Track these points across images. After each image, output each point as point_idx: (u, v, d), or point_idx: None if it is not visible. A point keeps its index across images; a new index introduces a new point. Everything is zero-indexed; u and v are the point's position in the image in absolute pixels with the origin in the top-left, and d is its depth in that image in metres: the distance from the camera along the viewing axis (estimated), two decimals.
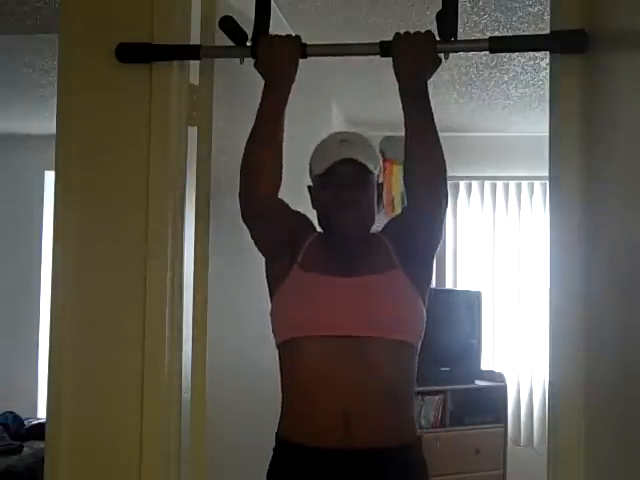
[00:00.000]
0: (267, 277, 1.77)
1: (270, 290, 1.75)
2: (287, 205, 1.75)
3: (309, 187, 1.81)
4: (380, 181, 1.80)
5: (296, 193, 2.18)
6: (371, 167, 1.70)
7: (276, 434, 1.70)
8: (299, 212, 1.80)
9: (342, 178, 1.69)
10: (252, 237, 1.74)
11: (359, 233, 1.72)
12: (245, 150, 1.68)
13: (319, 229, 1.80)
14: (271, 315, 1.72)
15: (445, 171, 1.66)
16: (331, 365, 1.61)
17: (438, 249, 1.77)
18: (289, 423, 1.68)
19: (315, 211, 1.80)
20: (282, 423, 1.70)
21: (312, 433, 1.61)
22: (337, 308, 1.63)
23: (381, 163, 1.80)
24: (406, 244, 1.72)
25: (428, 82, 1.67)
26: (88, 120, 1.81)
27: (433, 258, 1.77)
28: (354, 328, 1.61)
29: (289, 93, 1.71)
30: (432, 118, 1.65)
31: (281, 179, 1.71)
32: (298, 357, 1.65)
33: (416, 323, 1.69)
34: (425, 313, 1.71)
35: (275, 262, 1.75)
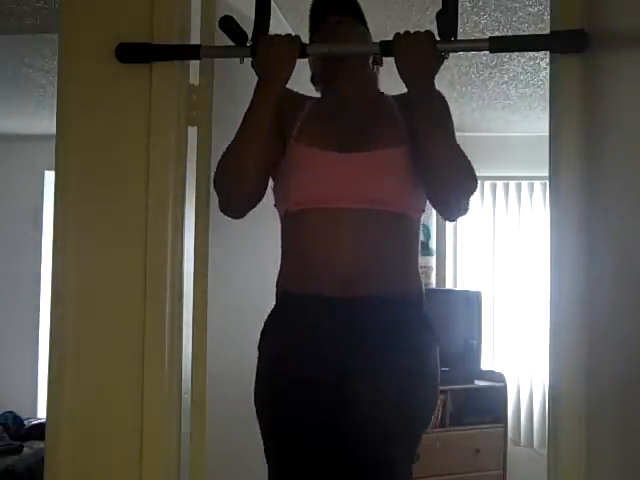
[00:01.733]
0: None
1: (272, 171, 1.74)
2: (276, 142, 1.71)
3: (312, 78, 1.85)
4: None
5: None
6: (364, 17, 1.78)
7: (275, 293, 1.71)
8: (289, 93, 1.75)
9: (334, 29, 1.75)
10: None
11: (356, 90, 1.74)
12: (229, 154, 1.66)
13: (317, 99, 1.81)
14: (273, 190, 1.72)
15: (466, 161, 1.64)
16: (331, 233, 1.61)
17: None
18: (288, 275, 1.69)
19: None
20: (281, 277, 1.71)
21: (312, 282, 1.63)
22: (339, 182, 1.62)
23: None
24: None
25: None
26: (88, 120, 1.81)
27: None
28: (354, 201, 1.61)
29: (282, 90, 1.68)
30: (443, 118, 1.64)
31: (268, 181, 1.71)
32: (298, 225, 1.66)
33: (420, 197, 1.69)
34: (423, 192, 1.69)
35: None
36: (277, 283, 1.72)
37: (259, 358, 1.69)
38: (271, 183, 1.74)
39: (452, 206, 1.68)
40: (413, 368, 1.62)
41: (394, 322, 1.62)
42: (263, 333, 1.70)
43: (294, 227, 1.68)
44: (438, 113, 1.64)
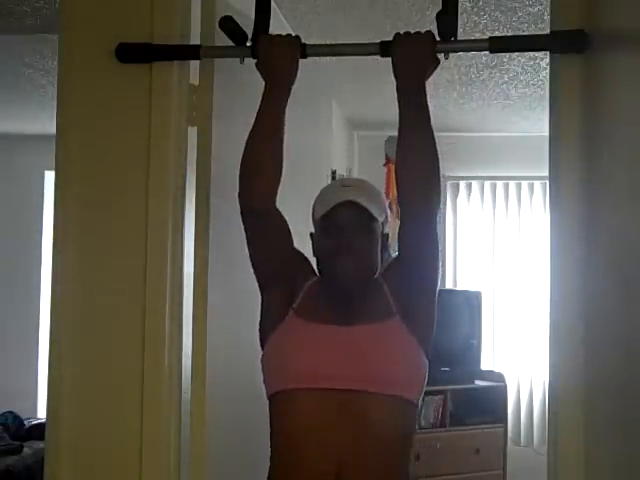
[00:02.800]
0: (261, 319, 1.71)
1: (262, 333, 1.70)
2: (287, 226, 1.70)
3: (311, 234, 1.75)
4: (386, 231, 1.73)
5: (295, 193, 2.18)
6: (375, 213, 1.64)
7: None
8: (300, 252, 1.75)
9: (342, 221, 1.63)
10: (248, 246, 1.70)
11: (358, 281, 1.64)
12: (245, 149, 1.68)
13: (319, 277, 1.75)
14: (262, 362, 1.66)
15: (439, 173, 1.61)
16: (324, 418, 1.55)
17: (438, 284, 1.71)
18: (277, 476, 1.62)
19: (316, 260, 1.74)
20: (270, 475, 1.64)
21: None
22: (333, 360, 1.57)
23: (388, 212, 1.73)
24: (403, 282, 1.66)
25: (428, 82, 1.66)
26: (88, 120, 1.81)
27: (434, 298, 1.70)
28: (350, 382, 1.55)
29: (290, 93, 1.70)
30: (428, 118, 1.62)
31: (280, 177, 1.70)
32: (290, 409, 1.59)
33: (416, 379, 1.63)
34: (427, 367, 1.65)
35: (270, 298, 1.69)
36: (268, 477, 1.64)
37: None
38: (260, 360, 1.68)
39: (426, 200, 1.61)
40: None
41: None
42: None
43: (283, 409, 1.61)
44: (426, 109, 1.62)
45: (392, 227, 1.80)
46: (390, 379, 1.58)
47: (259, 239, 1.71)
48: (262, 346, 1.69)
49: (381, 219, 1.68)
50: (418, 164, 1.60)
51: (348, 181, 1.73)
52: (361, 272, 1.65)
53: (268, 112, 1.67)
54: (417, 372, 1.64)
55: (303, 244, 1.78)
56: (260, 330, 1.71)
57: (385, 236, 1.72)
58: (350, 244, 1.62)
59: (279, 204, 1.72)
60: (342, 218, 1.64)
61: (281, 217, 1.71)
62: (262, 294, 1.72)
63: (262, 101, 1.68)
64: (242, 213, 1.70)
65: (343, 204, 1.63)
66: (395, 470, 1.61)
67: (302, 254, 1.77)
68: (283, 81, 1.68)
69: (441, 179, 1.65)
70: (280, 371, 1.63)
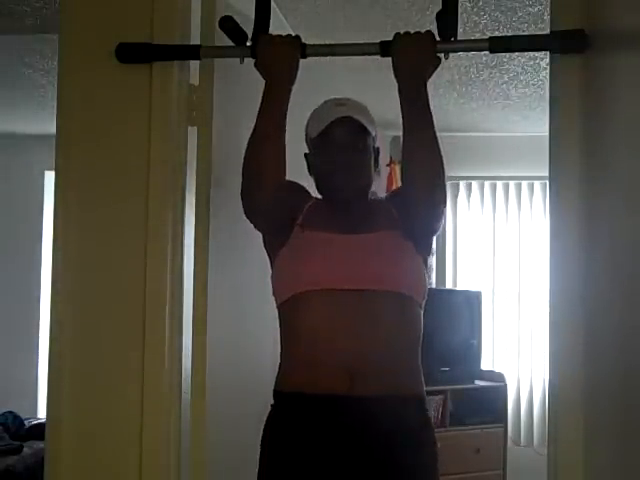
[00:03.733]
0: (266, 247, 1.77)
1: (270, 257, 1.75)
2: (284, 186, 1.72)
3: (305, 155, 1.82)
4: (376, 145, 1.80)
5: None
6: (369, 127, 1.72)
7: (273, 390, 1.69)
8: (294, 183, 1.78)
9: (339, 138, 1.71)
10: (255, 226, 1.74)
11: (356, 195, 1.74)
12: (247, 151, 1.68)
13: (318, 198, 1.80)
14: (272, 278, 1.72)
15: (443, 173, 1.65)
16: (333, 318, 1.61)
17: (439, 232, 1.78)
18: (287, 374, 1.67)
19: (313, 178, 1.81)
20: (279, 376, 1.69)
21: (312, 381, 1.60)
22: (339, 263, 1.64)
23: (376, 128, 1.80)
24: (407, 222, 1.72)
25: (428, 82, 1.66)
26: (88, 120, 1.81)
27: (439, 227, 1.77)
28: (359, 282, 1.62)
29: (290, 93, 1.70)
30: (431, 118, 1.63)
31: (284, 178, 1.70)
32: (300, 312, 1.65)
33: (419, 280, 1.71)
34: (427, 279, 1.72)
35: (275, 236, 1.75)
36: (275, 384, 1.69)
37: (261, 459, 1.67)
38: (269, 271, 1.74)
39: (433, 195, 1.64)
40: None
41: (396, 423, 1.60)
42: (264, 438, 1.68)
43: (295, 313, 1.66)
44: (427, 109, 1.63)
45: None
46: (396, 279, 1.65)
47: (267, 225, 1.75)
48: (272, 267, 1.74)
49: (373, 133, 1.76)
50: (421, 165, 1.62)
51: (341, 100, 1.79)
52: (358, 186, 1.74)
53: (269, 113, 1.67)
54: (420, 274, 1.71)
55: None
56: (269, 256, 1.75)
57: (376, 150, 1.80)
58: (347, 161, 1.71)
59: None
60: (339, 135, 1.71)
61: (282, 198, 1.70)
62: (264, 235, 1.77)
63: (262, 102, 1.68)
64: (247, 214, 1.70)
65: (340, 120, 1.70)
66: (406, 363, 1.66)
67: (298, 187, 1.80)
68: (283, 81, 1.68)
69: (445, 177, 1.67)
70: (291, 277, 1.68)
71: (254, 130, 1.67)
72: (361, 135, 1.73)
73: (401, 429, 1.60)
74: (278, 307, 1.71)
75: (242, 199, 1.69)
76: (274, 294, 1.72)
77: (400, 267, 1.68)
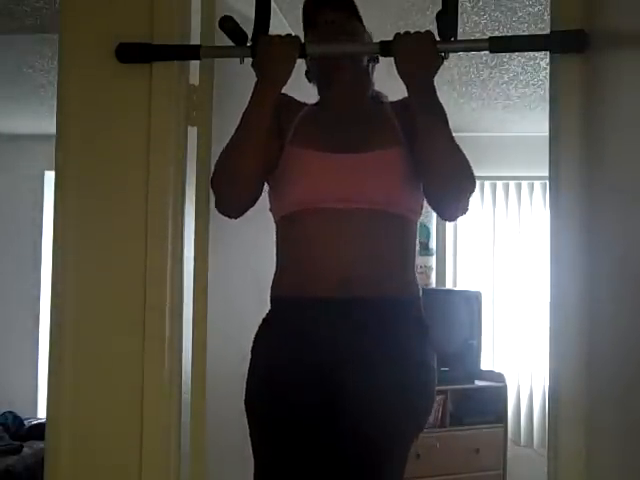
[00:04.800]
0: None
1: (268, 181, 1.74)
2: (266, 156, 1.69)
3: (306, 72, 1.85)
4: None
5: None
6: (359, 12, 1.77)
7: (270, 297, 1.70)
8: (281, 98, 1.72)
9: (325, 23, 1.75)
10: None
11: (354, 91, 1.75)
12: (229, 152, 1.65)
13: (312, 105, 1.81)
14: (269, 194, 1.72)
15: (465, 170, 1.62)
16: (325, 233, 1.62)
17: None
18: (283, 278, 1.69)
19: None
20: (275, 282, 1.71)
21: (307, 284, 1.62)
22: (332, 184, 1.63)
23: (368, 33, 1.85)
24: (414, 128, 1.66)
25: None
26: (88, 120, 1.81)
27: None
28: (349, 201, 1.61)
29: (279, 93, 1.68)
30: (444, 117, 1.62)
31: (263, 185, 1.71)
32: (295, 227, 1.66)
33: (415, 201, 1.70)
34: (421, 195, 1.70)
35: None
36: (271, 288, 1.71)
37: (252, 363, 1.69)
38: (266, 187, 1.74)
39: (451, 204, 1.67)
40: (410, 374, 1.61)
41: (391, 324, 1.62)
42: (256, 339, 1.70)
43: (290, 229, 1.68)
44: (439, 108, 1.63)
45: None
46: (396, 200, 1.65)
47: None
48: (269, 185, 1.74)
49: (360, 17, 1.81)
50: (444, 164, 1.61)
51: None
52: (357, 87, 1.77)
53: (257, 112, 1.65)
54: (418, 194, 1.69)
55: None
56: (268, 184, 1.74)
57: (374, 60, 1.82)
58: (343, 65, 1.74)
59: None
60: (324, 21, 1.76)
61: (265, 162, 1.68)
62: None
63: (253, 100, 1.66)
64: (227, 215, 1.71)
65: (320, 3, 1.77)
66: (400, 274, 1.67)
67: (284, 98, 1.76)
68: (277, 82, 1.67)
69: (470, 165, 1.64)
70: (285, 195, 1.68)
71: (237, 129, 1.65)
72: (345, 11, 1.77)
73: (393, 332, 1.61)
74: (275, 222, 1.73)
75: (218, 206, 1.69)
76: (270, 210, 1.74)
77: (398, 188, 1.65)
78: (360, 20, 1.82)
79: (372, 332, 1.60)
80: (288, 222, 1.68)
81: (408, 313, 1.67)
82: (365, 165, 1.65)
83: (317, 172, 1.65)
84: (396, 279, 1.66)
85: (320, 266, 1.61)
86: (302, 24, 1.83)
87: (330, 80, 1.78)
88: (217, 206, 1.70)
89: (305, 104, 1.81)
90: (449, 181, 1.62)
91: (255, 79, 1.68)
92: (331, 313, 1.60)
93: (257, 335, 1.70)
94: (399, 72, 1.64)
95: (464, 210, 1.69)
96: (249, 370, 1.69)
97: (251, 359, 1.70)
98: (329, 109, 1.78)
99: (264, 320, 1.71)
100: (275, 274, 1.72)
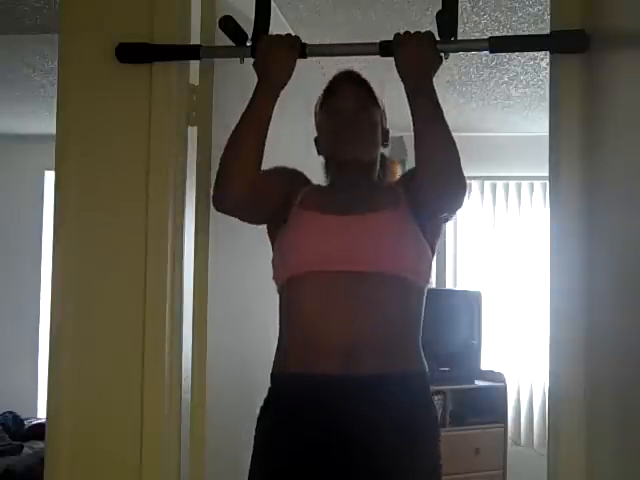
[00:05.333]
0: (269, 234, 1.76)
1: (271, 243, 1.74)
2: (270, 175, 1.71)
3: (315, 139, 1.82)
4: (385, 126, 1.80)
5: None
6: (375, 92, 1.73)
7: (270, 374, 1.67)
8: (291, 170, 1.76)
9: (343, 97, 1.73)
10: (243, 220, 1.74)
11: (359, 158, 1.72)
12: (230, 146, 1.66)
13: (319, 184, 1.80)
14: (273, 261, 1.70)
15: (459, 164, 1.60)
16: (329, 300, 1.58)
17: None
18: (284, 355, 1.66)
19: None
20: (276, 359, 1.68)
21: (309, 361, 1.59)
22: (335, 244, 1.61)
23: (384, 106, 1.81)
24: (417, 205, 1.67)
25: None
26: (88, 120, 1.81)
27: (446, 221, 1.76)
28: (352, 263, 1.59)
29: (280, 93, 1.69)
30: (442, 117, 1.60)
31: (256, 176, 1.67)
32: (295, 295, 1.63)
33: (421, 264, 1.66)
34: (431, 260, 1.67)
35: (274, 225, 1.74)
36: (273, 368, 1.68)
37: (254, 444, 1.65)
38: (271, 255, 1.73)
39: (445, 198, 1.62)
40: (416, 457, 1.59)
41: (394, 405, 1.58)
42: (257, 419, 1.67)
43: (291, 295, 1.65)
44: (437, 107, 1.61)
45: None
46: (394, 261, 1.62)
47: (250, 218, 1.76)
48: (273, 251, 1.73)
49: (381, 105, 1.76)
50: (438, 163, 1.58)
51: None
52: (362, 147, 1.72)
53: (259, 111, 1.66)
54: (423, 259, 1.66)
55: None
56: (271, 243, 1.74)
57: (386, 132, 1.79)
58: (350, 120, 1.71)
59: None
60: (343, 94, 1.73)
61: (263, 181, 1.68)
62: (267, 225, 1.77)
63: (254, 100, 1.66)
64: (218, 210, 1.69)
65: (344, 79, 1.73)
66: (402, 343, 1.63)
67: (294, 171, 1.78)
68: (278, 82, 1.68)
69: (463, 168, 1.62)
70: (290, 259, 1.66)
71: (240, 128, 1.65)
72: (366, 98, 1.73)
73: (396, 414, 1.57)
74: (278, 291, 1.70)
75: (214, 199, 1.68)
76: (274, 278, 1.71)
77: (399, 249, 1.63)
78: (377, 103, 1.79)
79: (375, 413, 1.55)
80: (289, 288, 1.65)
81: (413, 392, 1.63)
82: (369, 225, 1.63)
83: (320, 234, 1.64)
84: (399, 353, 1.62)
85: (322, 340, 1.57)
86: (322, 96, 1.81)
87: (336, 176, 1.77)
88: (214, 200, 1.67)
89: (310, 182, 1.80)
90: (445, 170, 1.58)
91: (256, 79, 1.68)
92: (332, 393, 1.56)
93: (258, 417, 1.67)
94: (398, 72, 1.64)
95: (456, 204, 1.65)
96: (252, 451, 1.65)
97: (254, 440, 1.66)
98: (334, 186, 1.77)
99: (264, 400, 1.67)
100: (277, 349, 1.68)
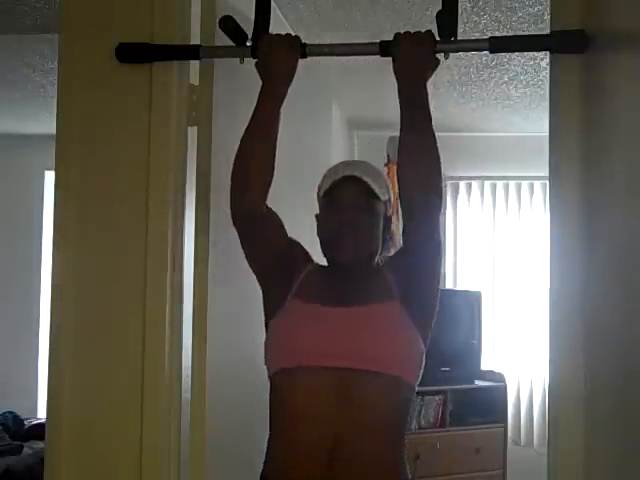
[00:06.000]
0: (264, 307, 1.72)
1: (265, 321, 1.71)
2: (280, 220, 1.72)
3: (316, 215, 1.76)
4: (389, 214, 1.73)
5: (294, 193, 2.18)
6: (377, 191, 1.65)
7: (260, 476, 1.63)
8: (294, 240, 1.75)
9: (344, 197, 1.66)
10: (243, 247, 1.71)
11: (358, 260, 1.65)
12: (240, 150, 1.66)
13: (318, 264, 1.75)
14: (265, 346, 1.66)
15: (439, 175, 1.60)
16: (322, 395, 1.55)
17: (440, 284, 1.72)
18: (272, 462, 1.62)
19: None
20: (266, 462, 1.63)
21: (294, 469, 1.55)
22: (329, 338, 1.57)
23: (391, 194, 1.74)
24: (405, 272, 1.65)
25: (428, 82, 1.66)
26: (88, 120, 1.81)
27: (436, 288, 1.70)
28: (348, 360, 1.55)
29: (286, 93, 1.69)
30: (429, 119, 1.61)
31: (272, 178, 1.69)
32: (289, 386, 1.59)
33: (413, 361, 1.62)
34: (424, 355, 1.63)
35: (269, 288, 1.70)
36: (262, 470, 1.64)
37: None
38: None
39: (426, 202, 1.60)
40: None
41: None
42: None
43: (276, 392, 1.62)
44: (425, 108, 1.62)
45: (395, 225, 1.81)
46: (388, 358, 1.58)
47: (253, 239, 1.71)
48: (266, 332, 1.70)
49: (384, 198, 1.69)
50: (418, 166, 1.59)
51: (354, 161, 1.78)
52: (361, 249, 1.66)
53: (265, 113, 1.67)
54: (414, 355, 1.62)
55: (303, 244, 1.77)
56: (265, 319, 1.71)
57: (388, 219, 1.73)
58: (351, 220, 1.64)
59: (279, 204, 1.73)
60: (344, 194, 1.66)
61: (272, 214, 1.71)
62: (261, 286, 1.73)
63: (259, 101, 1.68)
64: (234, 216, 1.68)
65: (345, 180, 1.66)
66: (390, 455, 1.59)
67: (298, 243, 1.77)
68: (281, 82, 1.69)
69: (442, 180, 1.63)
70: (280, 350, 1.63)
71: (249, 130, 1.66)
72: (367, 197, 1.65)
73: None
74: (269, 378, 1.66)
75: (231, 201, 1.67)
76: (265, 364, 1.66)
77: (389, 345, 1.59)
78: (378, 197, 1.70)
79: None
80: (277, 381, 1.62)
81: None
82: (359, 319, 1.60)
83: (310, 326, 1.60)
84: (385, 461, 1.57)
85: (304, 445, 1.54)
86: (322, 192, 1.72)
87: (333, 245, 1.68)
88: (231, 199, 1.66)
89: (311, 260, 1.76)
90: (427, 168, 1.58)
91: (256, 78, 1.68)
92: None
93: None
94: (395, 72, 1.64)
95: (438, 207, 1.63)
96: None
97: None
98: (330, 270, 1.71)
99: None
100: (267, 446, 1.64)
